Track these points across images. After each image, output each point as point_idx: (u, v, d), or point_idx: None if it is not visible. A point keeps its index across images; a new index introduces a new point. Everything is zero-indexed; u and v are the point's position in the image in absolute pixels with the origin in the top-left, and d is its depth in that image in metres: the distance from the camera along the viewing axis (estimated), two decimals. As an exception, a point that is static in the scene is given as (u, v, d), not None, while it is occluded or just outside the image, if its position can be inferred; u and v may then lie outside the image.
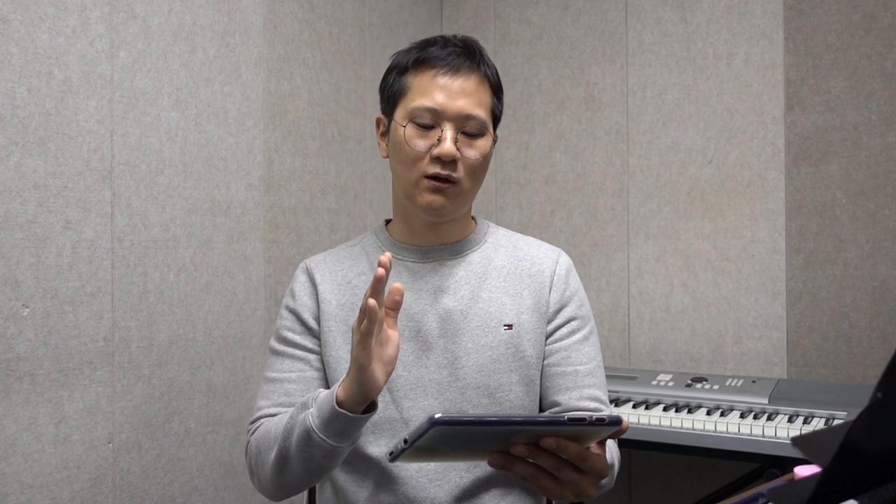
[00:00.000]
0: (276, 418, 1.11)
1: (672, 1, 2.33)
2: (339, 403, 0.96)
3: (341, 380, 0.99)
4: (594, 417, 0.78)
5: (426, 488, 1.10)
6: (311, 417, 0.99)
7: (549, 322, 1.19)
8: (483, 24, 2.67)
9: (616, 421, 0.78)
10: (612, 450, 1.11)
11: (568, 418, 0.77)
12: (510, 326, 1.15)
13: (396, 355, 0.97)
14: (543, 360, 1.19)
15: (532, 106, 2.57)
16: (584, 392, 1.17)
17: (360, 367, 0.92)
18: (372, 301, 0.89)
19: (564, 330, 1.19)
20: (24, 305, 1.39)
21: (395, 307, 0.96)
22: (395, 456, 0.79)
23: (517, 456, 0.82)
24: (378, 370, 0.95)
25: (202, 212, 1.75)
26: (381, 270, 0.91)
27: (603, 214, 2.44)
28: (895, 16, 2.02)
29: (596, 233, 2.45)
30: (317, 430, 0.98)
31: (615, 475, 1.11)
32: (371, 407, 0.99)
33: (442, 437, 0.75)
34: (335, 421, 0.96)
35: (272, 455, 1.06)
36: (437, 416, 0.72)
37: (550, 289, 1.19)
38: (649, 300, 2.36)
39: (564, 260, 1.23)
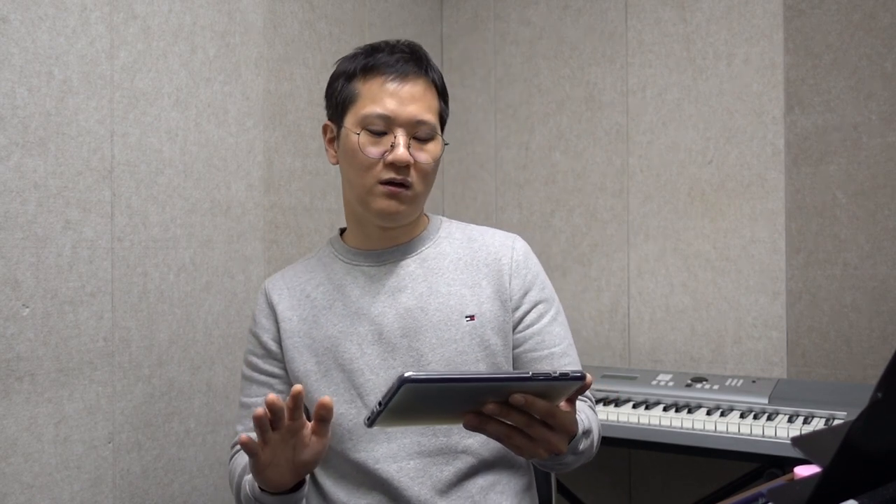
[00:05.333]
0: (239, 458, 1.18)
1: (672, 1, 2.33)
2: (261, 487, 1.01)
3: None
4: (558, 373, 0.81)
5: (409, 487, 1.11)
6: (249, 486, 1.05)
7: (514, 310, 1.19)
8: (483, 24, 2.67)
9: (579, 376, 0.81)
10: (590, 416, 1.13)
11: (533, 373, 0.80)
12: (472, 317, 1.16)
13: (315, 460, 0.97)
14: (516, 347, 1.19)
15: (532, 106, 2.57)
16: None
17: (252, 471, 0.97)
18: (243, 436, 0.91)
19: (533, 315, 1.19)
20: (24, 305, 1.39)
21: (322, 420, 0.95)
22: (371, 420, 0.81)
23: (489, 416, 0.84)
24: (282, 474, 0.97)
25: (202, 212, 1.75)
26: (260, 410, 0.90)
27: (603, 214, 2.44)
28: (895, 16, 2.02)
29: (596, 233, 2.45)
30: (254, 500, 1.04)
31: (595, 443, 1.13)
32: (300, 485, 1.03)
33: (414, 397, 0.77)
34: (264, 499, 1.02)
35: (235, 496, 1.15)
36: (406, 374, 0.75)
37: (511, 277, 1.19)
38: (649, 300, 2.36)
39: (521, 245, 1.23)
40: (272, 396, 0.90)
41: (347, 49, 2.25)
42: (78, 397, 1.48)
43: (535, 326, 1.19)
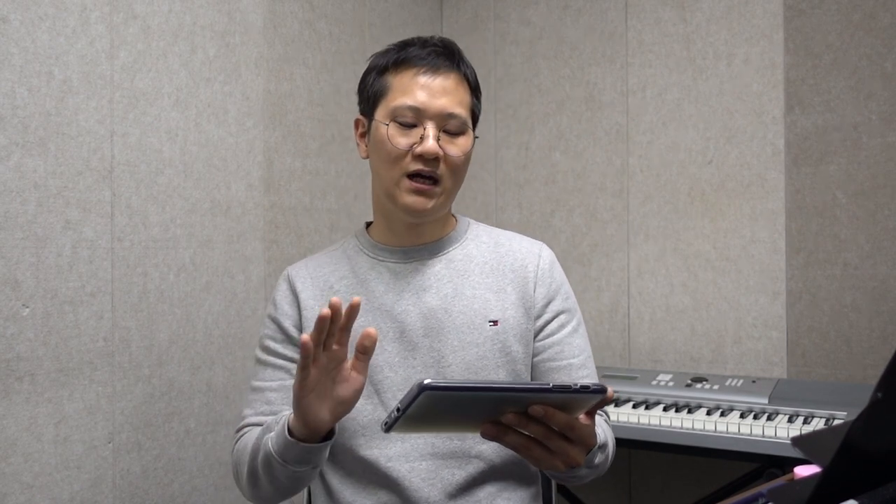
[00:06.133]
0: (252, 432, 1.13)
1: (672, 1, 2.33)
2: (290, 432, 0.97)
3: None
4: (579, 385, 0.79)
5: (420, 489, 1.10)
6: (271, 442, 1.01)
7: (537, 318, 1.18)
8: (483, 24, 2.67)
9: (600, 389, 0.80)
10: (605, 430, 1.12)
11: (553, 385, 0.79)
12: (495, 322, 1.15)
13: (353, 398, 0.96)
14: (535, 356, 1.19)
15: (532, 106, 2.57)
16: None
17: (295, 398, 0.93)
18: (304, 336, 0.88)
19: (554, 324, 1.19)
20: (24, 305, 1.39)
21: (364, 352, 0.94)
22: (388, 426, 0.80)
23: (508, 426, 0.83)
24: (321, 406, 0.94)
25: (202, 212, 1.75)
26: (325, 311, 0.88)
27: (603, 214, 2.44)
28: (895, 16, 2.02)
29: (596, 233, 2.45)
30: (276, 456, 1.00)
31: (609, 457, 1.12)
32: (329, 435, 0.99)
33: (433, 404, 0.76)
34: (290, 449, 0.98)
35: (245, 471, 1.09)
36: (426, 381, 0.74)
37: (535, 285, 1.19)
38: (649, 300, 2.36)
39: (547, 253, 1.23)
40: (336, 299, 0.88)
41: (347, 49, 2.26)
42: (78, 397, 1.48)
43: (556, 336, 1.19)
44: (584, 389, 0.79)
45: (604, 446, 1.06)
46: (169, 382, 1.67)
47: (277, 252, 1.96)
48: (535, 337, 1.19)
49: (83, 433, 1.49)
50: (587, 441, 0.88)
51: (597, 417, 1.13)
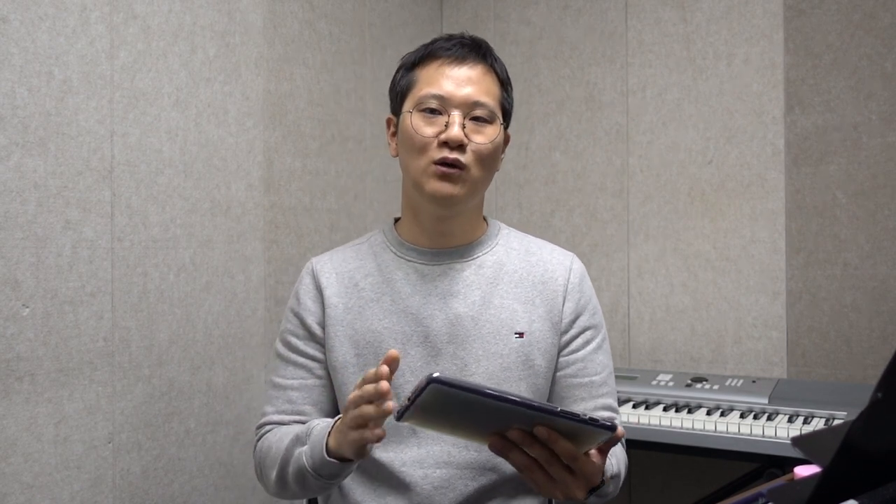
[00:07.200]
0: (278, 434, 1.13)
1: (672, 1, 2.33)
2: (328, 452, 0.98)
3: (332, 424, 1.00)
4: (587, 416, 0.78)
5: (431, 496, 1.10)
6: (305, 457, 1.01)
7: (563, 333, 1.17)
8: (483, 24, 2.67)
9: (609, 427, 0.78)
10: (619, 458, 1.11)
11: (561, 410, 0.78)
12: (521, 335, 1.14)
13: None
14: (557, 370, 1.17)
15: (532, 106, 2.56)
16: (598, 402, 1.17)
17: (355, 448, 0.93)
18: (384, 384, 0.88)
19: (580, 340, 1.18)
20: (24, 305, 1.39)
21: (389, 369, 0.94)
22: (400, 414, 0.80)
23: (514, 442, 0.82)
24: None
25: (202, 212, 1.75)
26: (383, 370, 0.87)
27: (603, 214, 2.44)
28: (895, 16, 2.02)
29: (596, 233, 2.45)
30: (311, 471, 1.01)
31: (620, 484, 1.10)
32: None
33: (440, 400, 0.76)
34: (327, 466, 0.99)
35: (273, 474, 1.10)
36: (434, 374, 0.74)
37: (564, 299, 1.17)
38: (649, 300, 2.36)
39: (578, 267, 1.21)
40: (385, 370, 0.88)
41: (347, 49, 2.26)
42: (78, 397, 1.48)
43: (580, 353, 1.18)
44: (592, 422, 0.78)
45: (616, 476, 1.05)
46: (169, 382, 1.67)
47: (277, 252, 1.96)
48: (560, 352, 1.17)
49: (83, 433, 1.49)
50: (590, 478, 0.87)
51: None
